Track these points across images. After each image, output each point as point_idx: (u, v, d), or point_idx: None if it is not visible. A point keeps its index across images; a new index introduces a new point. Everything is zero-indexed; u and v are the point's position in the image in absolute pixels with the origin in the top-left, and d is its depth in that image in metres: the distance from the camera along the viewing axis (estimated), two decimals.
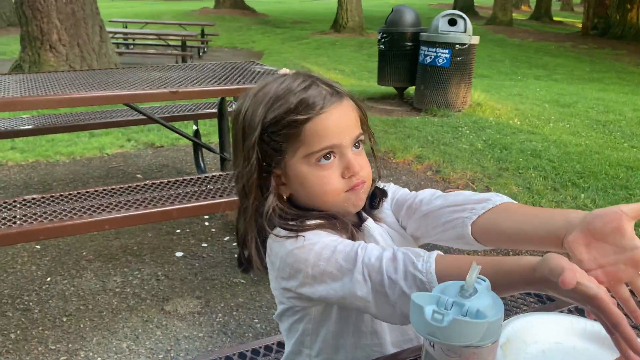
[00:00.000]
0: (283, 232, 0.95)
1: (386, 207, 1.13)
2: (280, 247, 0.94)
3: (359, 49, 13.32)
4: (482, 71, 10.29)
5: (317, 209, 0.99)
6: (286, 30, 17.24)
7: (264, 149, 0.95)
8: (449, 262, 0.82)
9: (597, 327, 0.89)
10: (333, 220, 0.98)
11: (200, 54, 12.42)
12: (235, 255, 3.11)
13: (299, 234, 0.92)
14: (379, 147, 4.95)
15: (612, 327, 0.67)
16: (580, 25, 19.33)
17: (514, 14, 20.97)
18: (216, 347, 2.36)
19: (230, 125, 3.58)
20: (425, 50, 6.25)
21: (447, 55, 6.11)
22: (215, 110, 3.81)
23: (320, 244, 0.91)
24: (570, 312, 0.98)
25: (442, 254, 0.84)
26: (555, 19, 23.55)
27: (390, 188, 1.15)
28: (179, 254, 3.13)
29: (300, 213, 0.98)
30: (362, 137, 0.99)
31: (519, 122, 6.01)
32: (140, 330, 2.46)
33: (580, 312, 0.97)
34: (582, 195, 3.86)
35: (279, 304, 1.06)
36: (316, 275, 0.90)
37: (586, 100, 7.54)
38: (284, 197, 1.00)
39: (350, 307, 0.91)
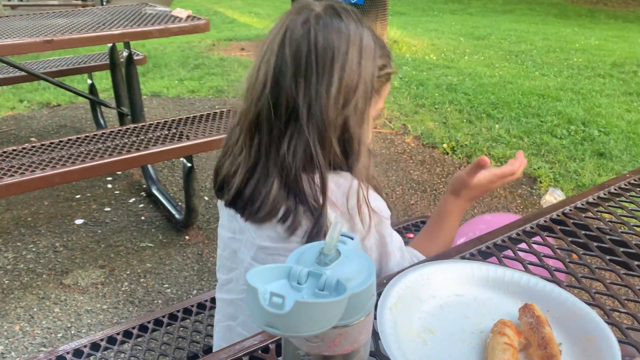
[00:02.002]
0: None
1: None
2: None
3: None
4: (399, 8, 10.16)
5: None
6: None
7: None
8: None
9: (500, 272, 0.78)
10: None
11: (104, 3, 11.48)
12: (143, 218, 2.90)
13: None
14: None
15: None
16: None
17: None
18: (122, 318, 2.17)
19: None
20: None
21: None
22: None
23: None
24: (472, 255, 0.87)
25: None
26: None
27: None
28: (79, 221, 2.86)
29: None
30: None
31: (435, 58, 5.96)
32: (35, 309, 2.22)
33: (482, 255, 0.87)
34: (497, 125, 3.87)
35: None
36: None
37: (499, 31, 7.61)
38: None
39: None
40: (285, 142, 0.86)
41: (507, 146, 3.55)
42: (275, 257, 0.91)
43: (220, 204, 1.02)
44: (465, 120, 3.97)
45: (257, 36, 7.26)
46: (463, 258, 0.86)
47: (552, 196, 2.92)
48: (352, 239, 0.53)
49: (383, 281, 0.78)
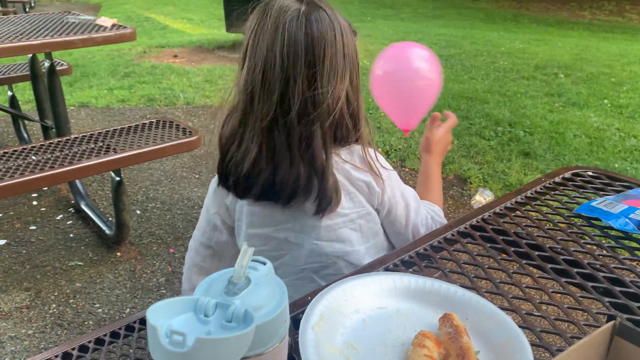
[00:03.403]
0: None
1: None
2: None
3: None
4: None
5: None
6: None
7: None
8: None
9: (420, 282, 0.80)
10: None
11: (27, 9, 10.96)
12: (71, 235, 2.76)
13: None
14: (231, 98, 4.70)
15: None
16: None
17: None
18: (50, 343, 2.07)
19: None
20: None
21: None
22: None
23: None
24: (395, 266, 0.88)
25: None
26: None
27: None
28: (1, 242, 2.70)
29: None
30: None
31: (368, 63, 6.05)
32: None
33: (405, 265, 0.88)
34: None
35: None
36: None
37: (430, 36, 7.83)
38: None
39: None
40: (303, 131, 0.97)
41: None
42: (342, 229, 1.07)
43: (241, 206, 1.09)
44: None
45: (190, 42, 7.14)
46: (387, 269, 0.87)
47: (482, 196, 3.03)
48: (264, 264, 0.52)
49: (307, 298, 0.78)
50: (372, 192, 1.05)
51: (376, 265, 0.88)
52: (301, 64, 0.93)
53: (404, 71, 1.48)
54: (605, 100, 4.76)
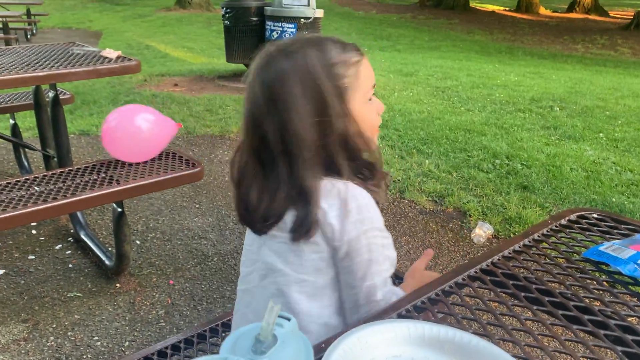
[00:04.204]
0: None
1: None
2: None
3: (207, 25, 12.81)
4: None
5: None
6: (127, 7, 16.05)
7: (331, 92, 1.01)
8: None
9: (435, 330, 0.80)
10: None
11: (29, 36, 11.07)
12: (70, 265, 2.74)
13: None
14: (231, 128, 4.74)
15: None
16: None
17: None
18: None
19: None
20: (271, 26, 6.09)
21: (293, 30, 6.00)
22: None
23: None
24: (408, 312, 0.89)
25: None
26: None
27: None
28: None
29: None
30: None
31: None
32: None
33: (418, 311, 0.89)
34: (427, 161, 4.00)
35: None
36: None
37: (427, 68, 7.94)
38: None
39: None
40: (281, 164, 1.02)
41: (438, 181, 3.68)
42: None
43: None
44: (397, 156, 4.09)
45: (190, 71, 7.22)
46: (400, 315, 0.88)
47: (482, 229, 3.04)
48: (289, 320, 0.53)
49: (321, 346, 0.78)
50: (332, 229, 1.00)
51: (389, 311, 0.88)
52: (265, 103, 1.01)
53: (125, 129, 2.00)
54: (601, 134, 4.82)
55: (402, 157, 4.08)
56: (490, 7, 19.88)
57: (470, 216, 3.24)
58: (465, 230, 3.13)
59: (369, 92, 1.06)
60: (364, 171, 1.08)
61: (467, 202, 3.36)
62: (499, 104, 5.83)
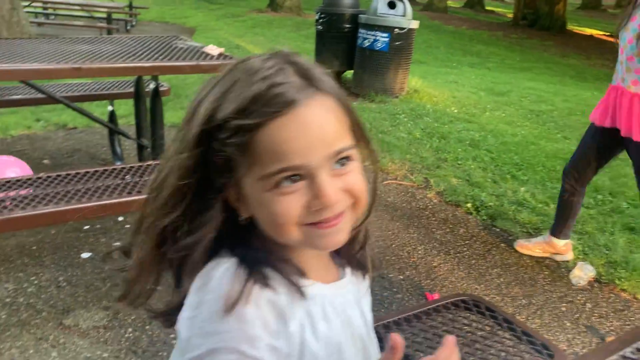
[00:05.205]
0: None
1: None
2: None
3: (296, 30, 12.93)
4: (419, 57, 10.20)
5: (272, 241, 0.73)
6: (221, 6, 16.52)
7: (210, 158, 0.69)
8: None
9: None
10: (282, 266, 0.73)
11: (128, 27, 11.62)
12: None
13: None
14: None
15: None
16: (510, 15, 19.76)
17: (448, 1, 21.17)
18: None
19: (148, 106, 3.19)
20: (364, 34, 6.01)
21: (387, 40, 5.89)
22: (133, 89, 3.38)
23: None
24: None
25: None
26: (487, 8, 24.02)
27: None
28: (85, 255, 2.73)
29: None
30: (348, 152, 0.71)
31: (456, 110, 5.91)
32: (31, 351, 2.07)
33: None
34: (522, 188, 3.76)
35: None
36: None
37: (519, 89, 7.59)
38: (241, 219, 0.74)
39: None
40: None
41: (533, 212, 3.43)
42: None
43: None
44: (489, 180, 3.87)
45: None
46: None
47: (582, 271, 2.79)
48: None
49: None
50: None
51: None
52: None
53: None
54: None
55: (495, 182, 3.86)
56: (588, 31, 18.93)
57: None
58: (563, 269, 2.88)
59: (274, 176, 0.67)
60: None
61: None
62: None
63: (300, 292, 0.72)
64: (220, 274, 0.69)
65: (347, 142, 0.71)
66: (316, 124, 0.67)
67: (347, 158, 0.71)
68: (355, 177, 0.72)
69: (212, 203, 0.71)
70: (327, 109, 0.69)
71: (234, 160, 0.68)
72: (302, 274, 0.74)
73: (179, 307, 0.71)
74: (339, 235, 0.72)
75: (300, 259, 0.76)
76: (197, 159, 0.69)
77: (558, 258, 2.90)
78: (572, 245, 2.95)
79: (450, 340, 0.66)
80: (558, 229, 2.83)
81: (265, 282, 0.69)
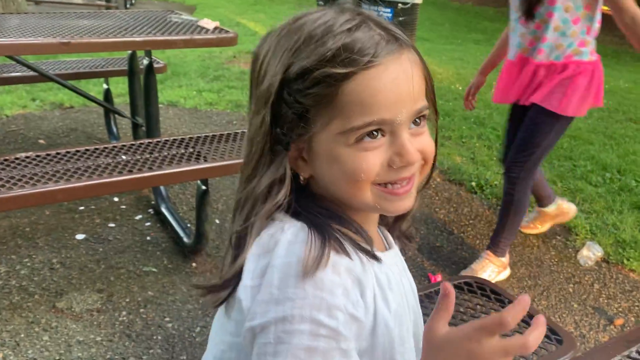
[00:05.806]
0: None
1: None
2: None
3: (297, 6, 12.70)
4: (423, 34, 10.01)
5: (334, 205, 0.71)
6: None
7: (282, 112, 0.66)
8: None
9: None
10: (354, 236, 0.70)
11: (128, 5, 11.43)
12: (149, 238, 2.71)
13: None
14: None
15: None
16: None
17: None
18: (116, 354, 1.97)
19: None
20: (366, 9, 5.86)
21: (389, 15, 5.74)
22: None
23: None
24: None
25: None
26: None
27: None
28: (80, 236, 2.66)
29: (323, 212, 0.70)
30: (426, 111, 0.69)
31: (461, 88, 5.79)
32: (22, 335, 2.02)
33: None
34: None
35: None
36: None
37: None
38: (301, 179, 0.71)
39: None
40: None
41: None
42: None
43: None
44: (494, 159, 3.77)
45: None
46: None
47: (590, 251, 2.71)
48: None
49: None
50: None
51: None
52: None
53: None
54: None
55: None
56: None
57: (576, 234, 2.91)
58: (570, 249, 2.80)
59: (360, 130, 0.65)
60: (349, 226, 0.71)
61: (574, 218, 3.01)
62: (607, 112, 5.31)
63: (375, 257, 0.69)
64: (290, 238, 0.65)
65: (425, 101, 0.69)
66: (407, 79, 0.65)
67: (423, 117, 0.69)
68: (427, 138, 0.71)
69: (283, 162, 0.67)
70: (414, 64, 0.67)
71: (310, 114, 0.65)
72: (371, 240, 0.71)
73: (233, 279, 0.69)
74: (409, 200, 0.71)
75: (362, 224, 0.73)
76: (274, 115, 0.66)
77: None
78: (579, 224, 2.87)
79: (541, 319, 0.59)
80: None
81: (341, 247, 0.65)
